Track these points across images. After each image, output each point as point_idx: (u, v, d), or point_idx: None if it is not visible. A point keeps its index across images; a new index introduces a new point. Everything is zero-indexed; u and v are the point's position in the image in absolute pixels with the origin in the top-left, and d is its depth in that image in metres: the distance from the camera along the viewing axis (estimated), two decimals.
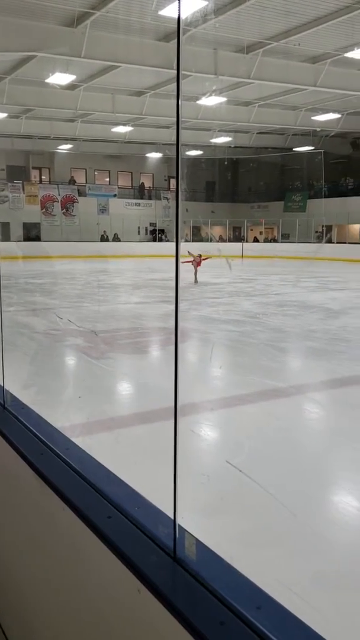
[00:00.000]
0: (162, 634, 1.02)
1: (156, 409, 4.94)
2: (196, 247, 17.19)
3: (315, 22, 15.01)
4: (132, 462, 3.60)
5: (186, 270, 15.28)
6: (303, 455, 3.93)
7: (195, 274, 15.82)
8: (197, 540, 1.13)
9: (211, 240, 34.58)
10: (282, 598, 1.01)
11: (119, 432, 4.30)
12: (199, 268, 15.80)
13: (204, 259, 16.00)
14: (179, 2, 1.23)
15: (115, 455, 3.70)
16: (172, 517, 1.18)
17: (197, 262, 15.79)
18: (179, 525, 1.15)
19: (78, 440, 1.88)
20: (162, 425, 4.48)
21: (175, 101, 1.25)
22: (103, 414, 4.64)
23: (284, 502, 3.16)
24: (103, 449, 3.76)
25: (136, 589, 1.07)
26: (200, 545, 1.13)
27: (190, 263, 15.61)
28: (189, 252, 16.09)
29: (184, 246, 30.95)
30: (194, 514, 2.91)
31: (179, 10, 1.22)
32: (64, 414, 4.51)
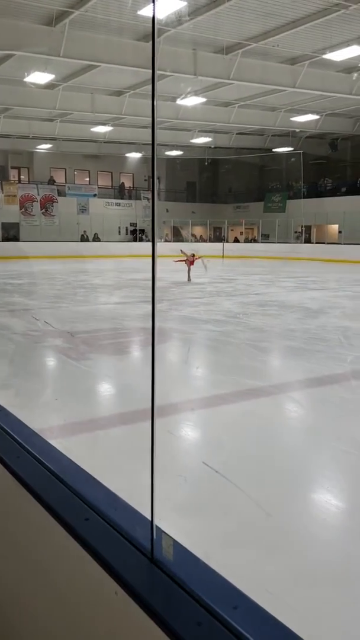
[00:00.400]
0: (139, 636, 1.02)
1: (136, 410, 4.93)
2: (178, 247, 17.54)
3: (294, 24, 15.14)
4: (111, 463, 3.59)
5: (176, 269, 15.46)
6: (283, 454, 3.96)
7: (189, 272, 16.35)
8: (174, 541, 1.13)
9: (188, 241, 34.65)
10: (260, 597, 1.01)
11: (98, 434, 4.28)
12: (191, 267, 16.37)
13: (196, 259, 16.52)
14: (154, 2, 1.22)
15: (94, 457, 3.69)
16: (149, 518, 1.18)
17: (190, 261, 16.40)
18: (157, 527, 1.15)
19: (56, 442, 1.87)
20: (142, 426, 4.47)
21: (151, 101, 1.25)
22: (82, 416, 4.61)
23: (263, 502, 3.17)
24: (82, 451, 3.74)
25: (113, 591, 1.07)
26: (177, 546, 1.13)
27: (184, 262, 16.25)
28: (181, 251, 16.70)
29: (168, 246, 30.97)
30: (172, 515, 2.91)
31: (154, 9, 1.22)
32: (42, 416, 4.48)
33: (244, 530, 2.88)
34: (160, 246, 34.14)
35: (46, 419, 4.40)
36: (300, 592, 2.37)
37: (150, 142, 1.16)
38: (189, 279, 16.24)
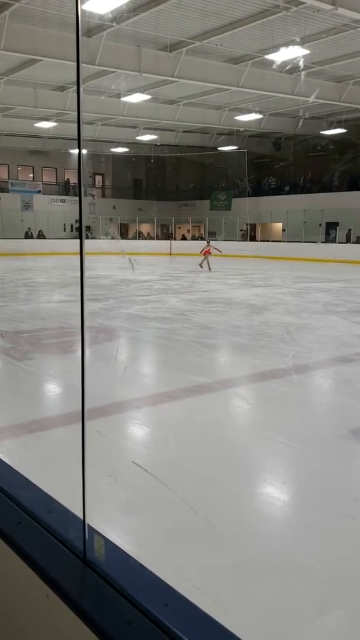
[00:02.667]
0: (70, 638, 1.01)
1: (80, 410, 4.88)
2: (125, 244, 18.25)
3: (236, 24, 15.31)
4: (52, 465, 3.54)
5: (122, 267, 15.52)
6: (227, 449, 4.01)
7: (208, 262, 19.97)
8: (106, 540, 1.12)
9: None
10: (192, 594, 1.03)
11: (39, 435, 4.21)
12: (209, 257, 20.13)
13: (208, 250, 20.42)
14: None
15: (35, 459, 3.63)
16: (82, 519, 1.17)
17: (206, 251, 20.49)
18: (90, 527, 1.14)
19: None
20: (86, 427, 4.44)
21: (76, 95, 1.23)
22: (24, 417, 4.53)
23: (206, 496, 3.21)
24: (22, 453, 3.67)
25: (45, 595, 1.05)
26: (110, 545, 1.13)
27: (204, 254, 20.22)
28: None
29: (119, 244, 30.60)
30: (110, 515, 2.90)
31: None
32: None
33: (181, 528, 2.90)
34: (104, 243, 33.88)
35: None
36: (241, 584, 2.41)
37: (78, 138, 1.14)
38: (209, 269, 19.64)
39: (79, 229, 1.25)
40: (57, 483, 1.76)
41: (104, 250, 30.00)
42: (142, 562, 1.09)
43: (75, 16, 1.21)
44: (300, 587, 2.42)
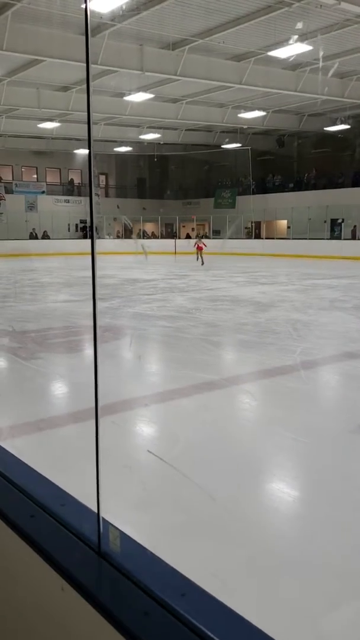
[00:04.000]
0: (86, 630, 1.00)
1: (88, 408, 4.88)
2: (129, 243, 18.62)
3: (238, 21, 15.27)
4: (62, 461, 3.54)
5: (128, 267, 15.50)
6: (235, 445, 4.00)
7: (201, 256, 22.02)
8: (121, 533, 1.11)
9: (141, 237, 34.50)
10: (210, 585, 1.01)
11: (49, 433, 4.21)
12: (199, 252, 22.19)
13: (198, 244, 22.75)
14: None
15: (46, 456, 3.62)
16: (97, 512, 1.16)
17: (199, 246, 22.68)
18: (104, 520, 1.14)
19: (6, 443, 1.82)
20: (94, 424, 4.43)
21: (86, 96, 1.22)
22: (33, 415, 4.53)
23: (217, 492, 3.20)
24: (33, 450, 3.67)
25: (60, 587, 1.05)
26: (125, 537, 1.12)
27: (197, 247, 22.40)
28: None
29: (120, 243, 30.74)
30: (123, 509, 2.90)
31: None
32: None
33: (194, 520, 2.89)
34: (111, 243, 33.91)
35: None
36: (254, 578, 2.40)
37: (89, 139, 1.13)
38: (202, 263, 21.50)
39: (90, 229, 1.24)
40: (68, 478, 1.75)
41: (109, 250, 30.05)
42: (158, 553, 1.08)
43: (83, 17, 1.20)
44: (313, 581, 2.40)
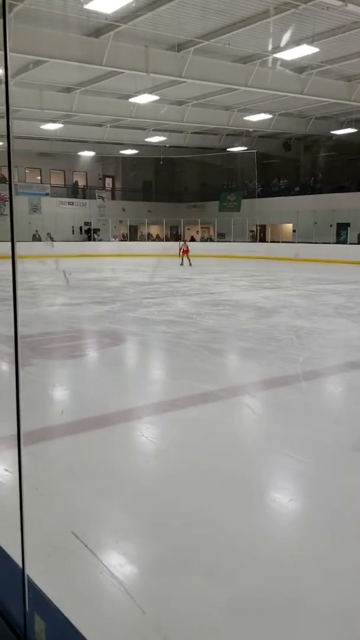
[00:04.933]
0: None
1: (78, 420, 4.67)
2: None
3: (244, 22, 15.09)
4: (49, 480, 3.33)
5: (129, 269, 15.20)
6: (231, 462, 3.78)
7: (188, 259, 24.01)
8: (47, 621, 0.89)
9: (145, 240, 34.24)
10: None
11: (29, 449, 3.99)
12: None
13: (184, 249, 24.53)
14: None
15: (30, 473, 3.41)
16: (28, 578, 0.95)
17: (184, 249, 24.47)
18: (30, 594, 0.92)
19: None
20: (87, 438, 4.22)
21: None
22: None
23: (209, 511, 2.98)
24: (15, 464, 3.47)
25: None
26: (54, 624, 0.90)
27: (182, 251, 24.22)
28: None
29: (125, 245, 30.58)
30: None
31: None
32: None
33: (179, 551, 2.68)
34: (114, 245, 33.74)
35: None
36: (233, 624, 2.18)
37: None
38: (188, 264, 23.63)
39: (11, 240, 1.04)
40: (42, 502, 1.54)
41: (107, 253, 29.89)
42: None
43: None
44: (308, 626, 2.18)
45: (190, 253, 24.61)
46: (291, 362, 6.53)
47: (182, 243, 25.89)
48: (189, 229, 37.04)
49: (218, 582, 2.45)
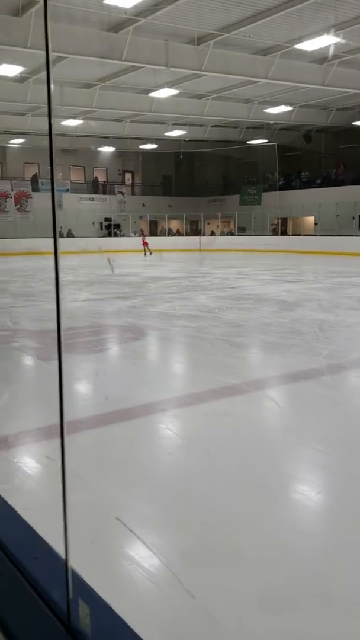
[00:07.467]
0: None
1: (103, 413, 4.72)
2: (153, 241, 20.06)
3: (264, 14, 14.96)
4: (73, 473, 3.37)
5: (150, 264, 15.30)
6: (255, 455, 3.78)
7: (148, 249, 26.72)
8: (91, 607, 0.91)
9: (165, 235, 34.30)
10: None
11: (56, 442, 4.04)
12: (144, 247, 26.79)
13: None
14: None
15: (55, 467, 3.46)
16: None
17: (144, 241, 27.26)
18: (74, 583, 0.94)
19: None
20: (110, 431, 4.26)
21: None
22: (46, 421, 4.37)
23: (234, 504, 2.99)
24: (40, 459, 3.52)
25: None
26: (97, 610, 0.92)
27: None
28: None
29: (139, 239, 30.70)
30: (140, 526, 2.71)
31: None
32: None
33: (205, 538, 2.69)
34: (133, 240, 33.80)
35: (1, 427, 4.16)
36: (259, 615, 2.19)
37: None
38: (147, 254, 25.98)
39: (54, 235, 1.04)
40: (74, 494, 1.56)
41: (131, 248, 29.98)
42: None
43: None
44: (338, 616, 2.18)
45: (211, 247, 24.80)
46: (315, 355, 6.49)
47: (142, 237, 29.17)
48: (209, 223, 36.94)
49: (246, 574, 2.46)
